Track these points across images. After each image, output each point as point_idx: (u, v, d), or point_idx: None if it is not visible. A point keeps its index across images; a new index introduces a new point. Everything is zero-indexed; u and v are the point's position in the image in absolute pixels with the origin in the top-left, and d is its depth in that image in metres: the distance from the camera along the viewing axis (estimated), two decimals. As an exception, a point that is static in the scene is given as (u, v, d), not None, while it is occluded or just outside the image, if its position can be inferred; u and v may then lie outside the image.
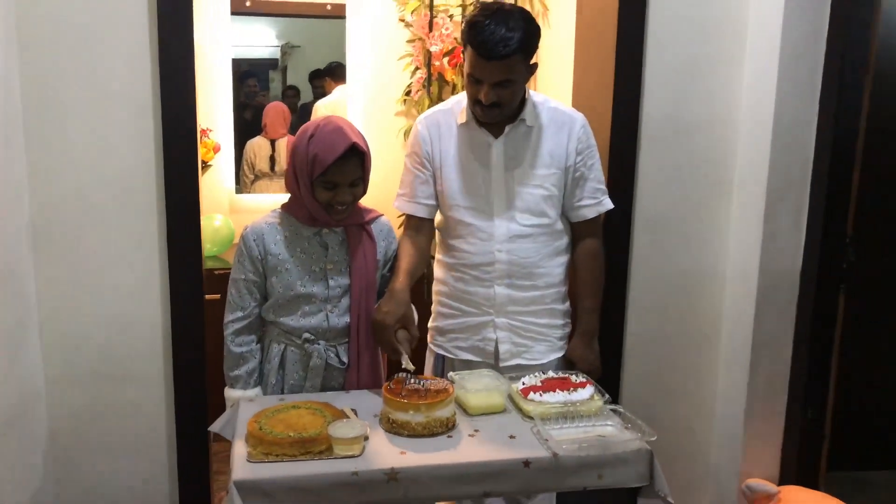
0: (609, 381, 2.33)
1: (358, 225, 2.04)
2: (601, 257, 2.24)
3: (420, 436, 1.76)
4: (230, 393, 2.04)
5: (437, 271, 2.30)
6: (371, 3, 3.76)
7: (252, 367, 2.04)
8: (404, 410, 1.77)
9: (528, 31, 1.96)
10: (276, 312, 2.02)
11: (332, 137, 1.90)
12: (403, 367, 1.95)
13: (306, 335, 2.01)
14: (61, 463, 2.22)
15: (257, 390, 2.04)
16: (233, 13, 3.74)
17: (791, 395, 2.51)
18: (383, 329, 1.98)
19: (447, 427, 1.80)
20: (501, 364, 2.18)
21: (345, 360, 2.05)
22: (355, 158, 1.94)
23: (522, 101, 2.10)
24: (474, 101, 2.04)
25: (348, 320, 2.03)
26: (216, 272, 3.31)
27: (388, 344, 1.99)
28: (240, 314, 2.02)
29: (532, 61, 2.03)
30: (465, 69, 2.03)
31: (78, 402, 2.20)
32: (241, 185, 3.91)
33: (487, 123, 2.11)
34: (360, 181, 1.98)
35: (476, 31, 1.94)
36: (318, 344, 2.02)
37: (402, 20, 3.69)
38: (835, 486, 2.54)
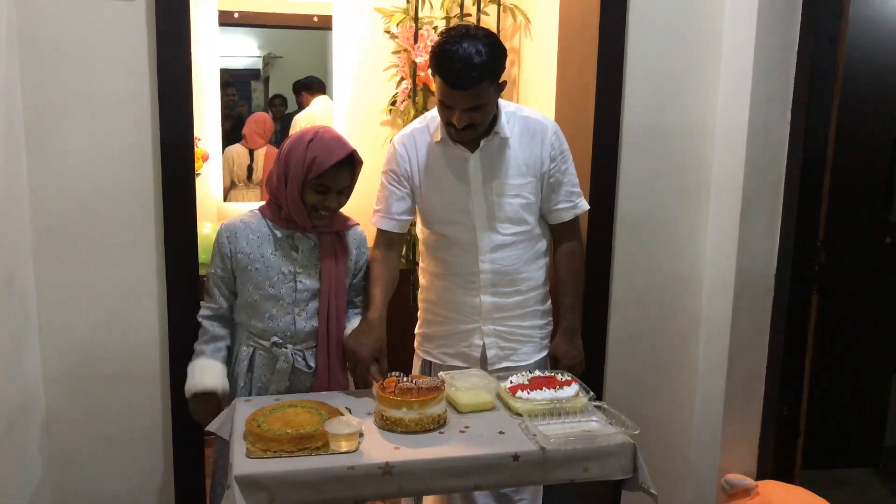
0: (592, 379, 2.38)
1: (333, 232, 2.08)
2: (580, 256, 2.29)
3: (413, 432, 1.81)
4: (196, 363, 2.04)
5: (423, 280, 2.33)
6: (357, 15, 3.79)
7: (219, 346, 2.06)
8: (397, 408, 1.82)
9: (494, 56, 1.98)
10: (246, 313, 2.06)
11: (331, 144, 1.97)
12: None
13: (274, 339, 2.04)
14: (59, 463, 2.24)
15: (220, 366, 2.05)
16: (221, 24, 3.77)
17: (767, 393, 2.57)
18: (358, 361, 2.02)
19: (439, 423, 1.85)
20: (489, 368, 2.22)
21: (312, 364, 2.08)
22: (349, 167, 2.01)
23: (495, 115, 2.12)
24: (447, 124, 2.07)
25: (315, 324, 2.06)
26: (204, 278, 3.35)
27: (361, 376, 2.03)
28: (213, 305, 2.07)
29: (500, 81, 2.05)
30: (437, 95, 2.04)
31: (76, 403, 2.23)
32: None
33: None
34: (348, 189, 2.04)
35: (443, 62, 1.96)
36: (286, 348, 2.05)
37: (388, 32, 3.74)
38: (810, 483, 2.58)
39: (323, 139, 1.98)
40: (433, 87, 3.60)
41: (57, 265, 2.17)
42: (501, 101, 2.15)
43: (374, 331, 2.05)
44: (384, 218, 2.22)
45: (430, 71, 2.08)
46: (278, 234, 2.04)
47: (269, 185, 2.06)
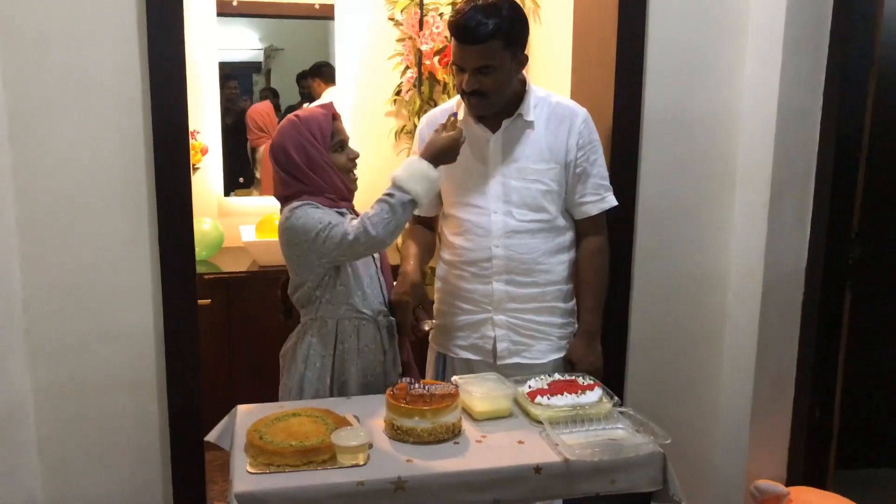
0: (612, 379, 2.28)
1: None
2: (604, 255, 2.20)
3: (426, 443, 1.71)
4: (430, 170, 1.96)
5: (438, 269, 2.29)
6: (360, 3, 3.71)
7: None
8: (409, 417, 1.72)
9: (507, 18, 1.97)
10: (347, 287, 2.03)
11: (315, 111, 2.04)
12: (428, 329, 2.13)
13: (379, 307, 2.08)
14: (51, 473, 2.14)
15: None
16: (219, 14, 3.68)
17: (797, 393, 2.48)
18: (403, 308, 2.08)
19: (453, 433, 1.75)
20: (499, 362, 2.15)
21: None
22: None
23: (522, 97, 2.09)
24: (461, 92, 2.07)
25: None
26: (206, 276, 3.25)
27: (408, 323, 2.09)
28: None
29: (519, 52, 2.03)
30: (452, 59, 2.07)
31: (68, 411, 2.13)
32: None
33: (485, 119, 2.10)
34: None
35: (456, 18, 1.99)
36: (388, 318, 2.09)
37: (392, 19, 3.64)
38: (842, 484, 2.51)
39: (305, 113, 2.03)
40: (439, 75, 3.54)
41: (44, 266, 2.07)
42: (532, 86, 2.13)
43: (408, 279, 2.12)
44: None
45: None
46: (349, 216, 2.06)
47: (294, 187, 2.00)
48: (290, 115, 2.04)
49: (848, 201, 2.36)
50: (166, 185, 2.10)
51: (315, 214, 1.94)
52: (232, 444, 1.78)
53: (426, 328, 2.11)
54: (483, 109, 2.07)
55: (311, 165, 1.99)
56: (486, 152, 2.12)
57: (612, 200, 2.17)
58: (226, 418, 1.92)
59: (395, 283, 2.16)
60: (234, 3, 3.72)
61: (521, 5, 3.38)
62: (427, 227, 2.29)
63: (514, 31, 2.00)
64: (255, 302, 3.28)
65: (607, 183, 2.17)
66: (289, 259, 2.02)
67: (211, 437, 1.90)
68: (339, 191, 2.03)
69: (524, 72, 2.13)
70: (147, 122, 2.07)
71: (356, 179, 2.09)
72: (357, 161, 2.09)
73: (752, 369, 2.45)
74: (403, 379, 1.85)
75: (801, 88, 2.33)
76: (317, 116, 2.02)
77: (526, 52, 2.05)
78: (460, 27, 1.97)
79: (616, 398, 1.89)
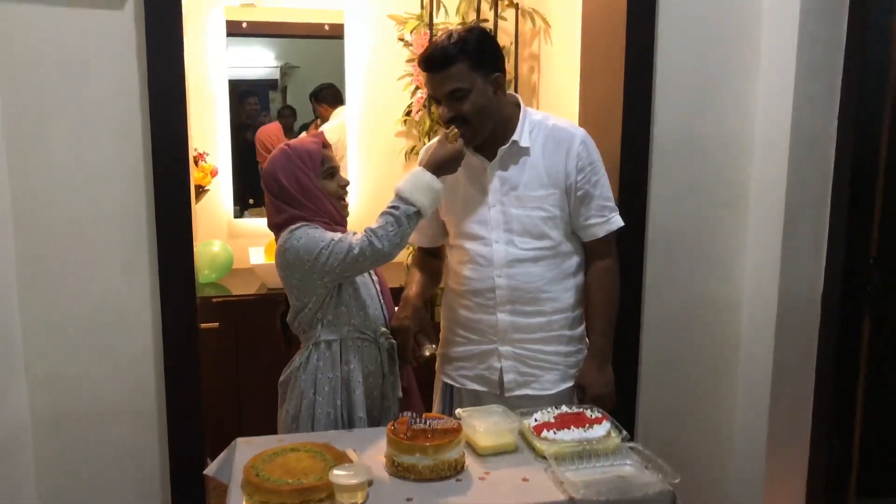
0: (622, 408, 2.24)
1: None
2: (613, 276, 2.15)
3: (428, 480, 1.66)
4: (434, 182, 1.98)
5: (444, 297, 2.26)
6: (369, 23, 3.71)
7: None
8: (410, 453, 1.67)
9: (470, 41, 1.97)
10: (348, 307, 2.02)
11: (303, 140, 2.06)
12: (429, 354, 2.09)
13: (382, 329, 2.07)
14: (50, 506, 2.13)
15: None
16: (229, 35, 3.68)
17: (815, 424, 2.42)
18: (404, 332, 2.06)
19: (456, 470, 1.69)
20: (507, 394, 2.10)
21: None
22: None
23: (513, 121, 2.06)
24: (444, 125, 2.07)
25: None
26: (214, 300, 3.23)
27: (409, 349, 2.06)
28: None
29: (492, 73, 2.00)
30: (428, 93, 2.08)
31: (66, 441, 2.12)
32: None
33: (482, 148, 2.07)
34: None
35: (423, 53, 2.02)
36: (390, 339, 2.07)
37: (402, 39, 3.62)
38: None
39: (294, 144, 2.06)
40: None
41: (43, 293, 2.06)
42: (529, 110, 2.10)
43: (410, 304, 2.12)
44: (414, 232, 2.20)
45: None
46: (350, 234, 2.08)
47: (288, 213, 2.01)
48: (281, 145, 2.05)
49: (865, 225, 2.30)
50: (166, 212, 2.09)
51: (315, 234, 1.95)
52: (230, 479, 1.74)
53: (427, 353, 2.07)
54: (470, 137, 2.03)
55: (302, 192, 1.99)
56: (485, 181, 2.08)
57: (618, 221, 2.12)
58: (225, 452, 1.88)
59: (396, 307, 2.14)
60: (244, 25, 3.72)
61: (531, 25, 3.39)
62: (433, 257, 2.27)
63: (480, 52, 1.98)
64: (264, 325, 3.24)
65: (612, 203, 2.12)
66: (288, 282, 2.00)
67: (209, 471, 1.87)
68: (332, 216, 2.03)
69: (518, 95, 2.11)
70: (147, 148, 2.06)
71: (347, 206, 2.09)
72: (348, 189, 2.10)
73: (767, 398, 2.39)
74: (405, 413, 1.81)
75: (815, 109, 2.28)
76: (306, 145, 2.04)
77: (503, 73, 2.02)
78: (425, 58, 2.00)
79: (625, 432, 1.83)
